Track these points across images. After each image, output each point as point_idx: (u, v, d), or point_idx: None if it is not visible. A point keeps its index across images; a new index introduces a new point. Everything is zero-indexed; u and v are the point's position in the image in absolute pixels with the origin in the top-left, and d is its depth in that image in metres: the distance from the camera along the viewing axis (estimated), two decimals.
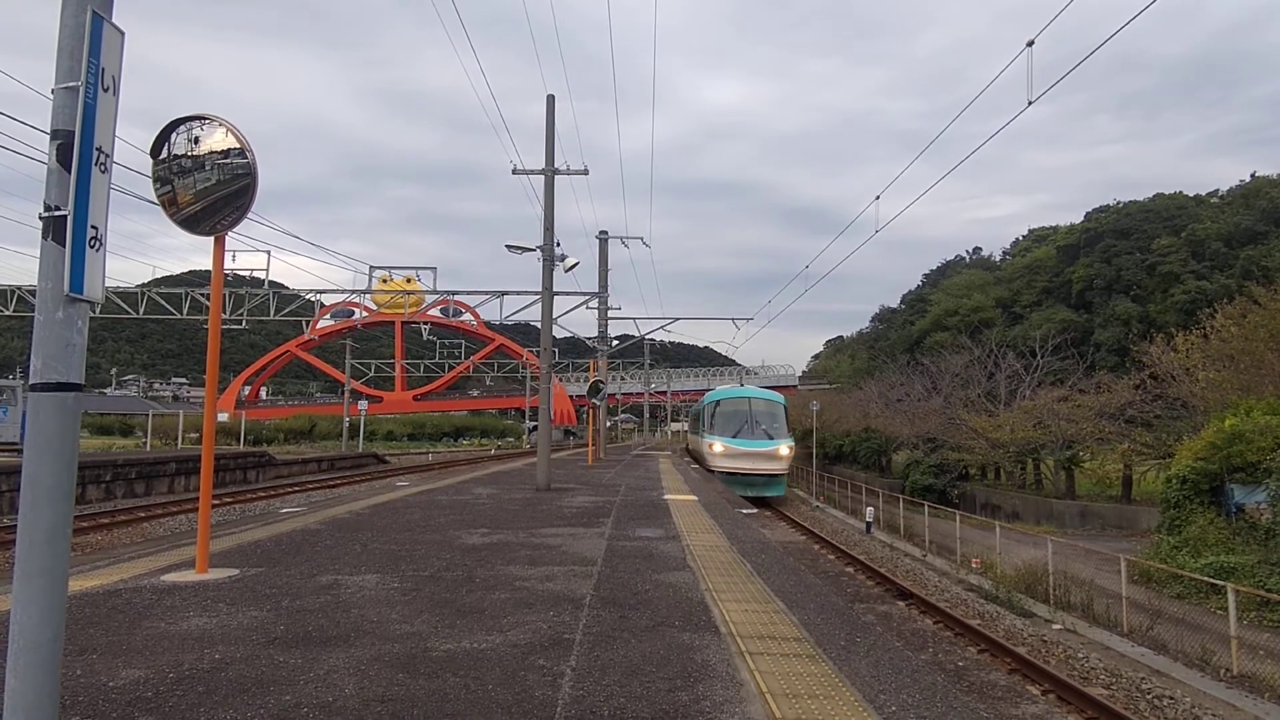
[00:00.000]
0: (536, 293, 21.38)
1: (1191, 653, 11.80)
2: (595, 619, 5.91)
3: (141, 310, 43.79)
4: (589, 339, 38.19)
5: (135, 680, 4.41)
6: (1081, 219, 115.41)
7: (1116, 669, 9.88)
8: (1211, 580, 14.29)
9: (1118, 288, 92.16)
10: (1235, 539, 17.78)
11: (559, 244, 19.49)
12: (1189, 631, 12.77)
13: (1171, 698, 9.05)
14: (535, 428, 44.04)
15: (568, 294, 32.02)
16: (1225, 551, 17.26)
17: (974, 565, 19.09)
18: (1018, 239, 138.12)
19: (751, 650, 5.15)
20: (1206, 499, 19.29)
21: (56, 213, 3.07)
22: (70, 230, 3.06)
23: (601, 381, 34.20)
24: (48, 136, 3.17)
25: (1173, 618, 13.76)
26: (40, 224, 3.12)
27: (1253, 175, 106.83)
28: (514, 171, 19.60)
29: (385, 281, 50.76)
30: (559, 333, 31.18)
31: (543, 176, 19.14)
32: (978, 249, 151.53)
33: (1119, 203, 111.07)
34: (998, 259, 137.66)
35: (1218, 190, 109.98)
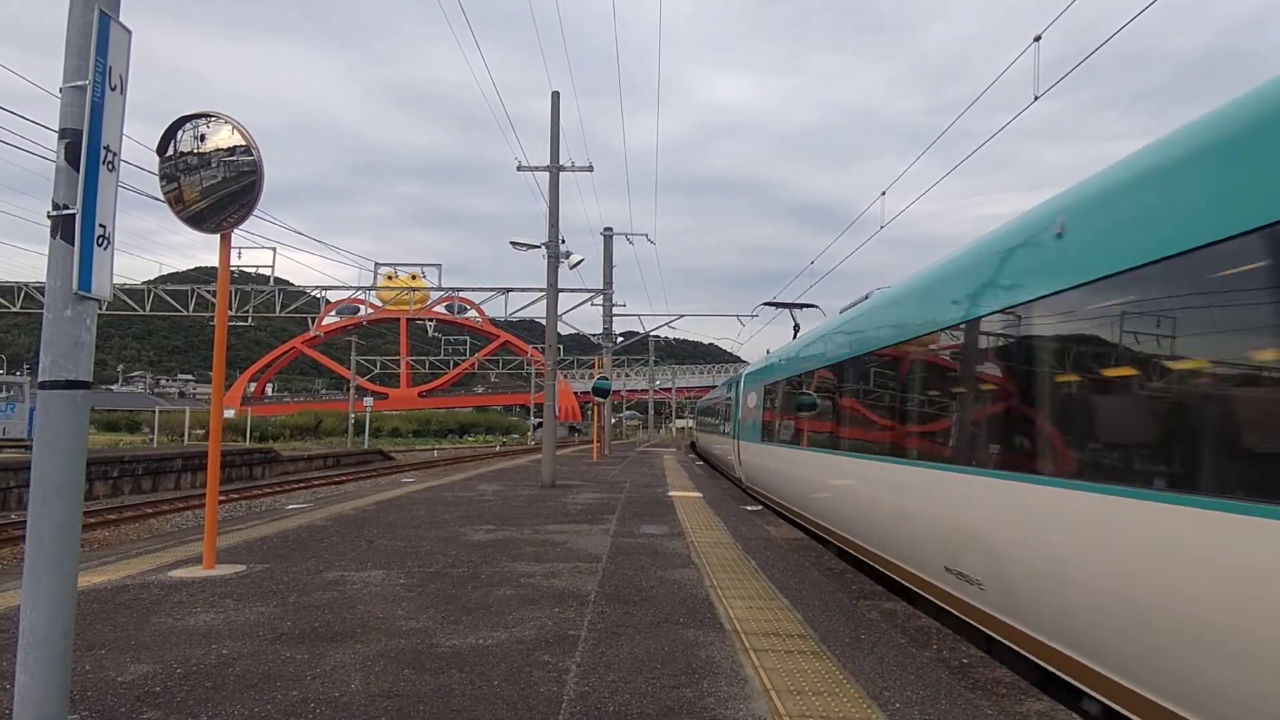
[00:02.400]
0: (541, 289, 21.44)
1: None
2: (600, 615, 5.93)
3: (148, 307, 43.98)
4: (594, 335, 38.21)
5: (143, 675, 4.44)
6: None
7: None
8: None
9: None
10: None
11: (564, 241, 19.50)
12: None
13: None
14: (540, 424, 43.95)
15: (573, 290, 32.17)
16: None
17: None
18: None
19: (756, 647, 5.16)
20: None
21: (65, 211, 3.10)
22: (78, 229, 3.09)
23: (606, 378, 34.21)
24: (56, 134, 3.19)
25: None
26: (49, 222, 3.14)
27: None
28: (519, 168, 19.60)
29: (390, 278, 50.83)
30: (564, 329, 31.12)
31: (547, 173, 19.16)
32: None
33: None
34: None
35: None
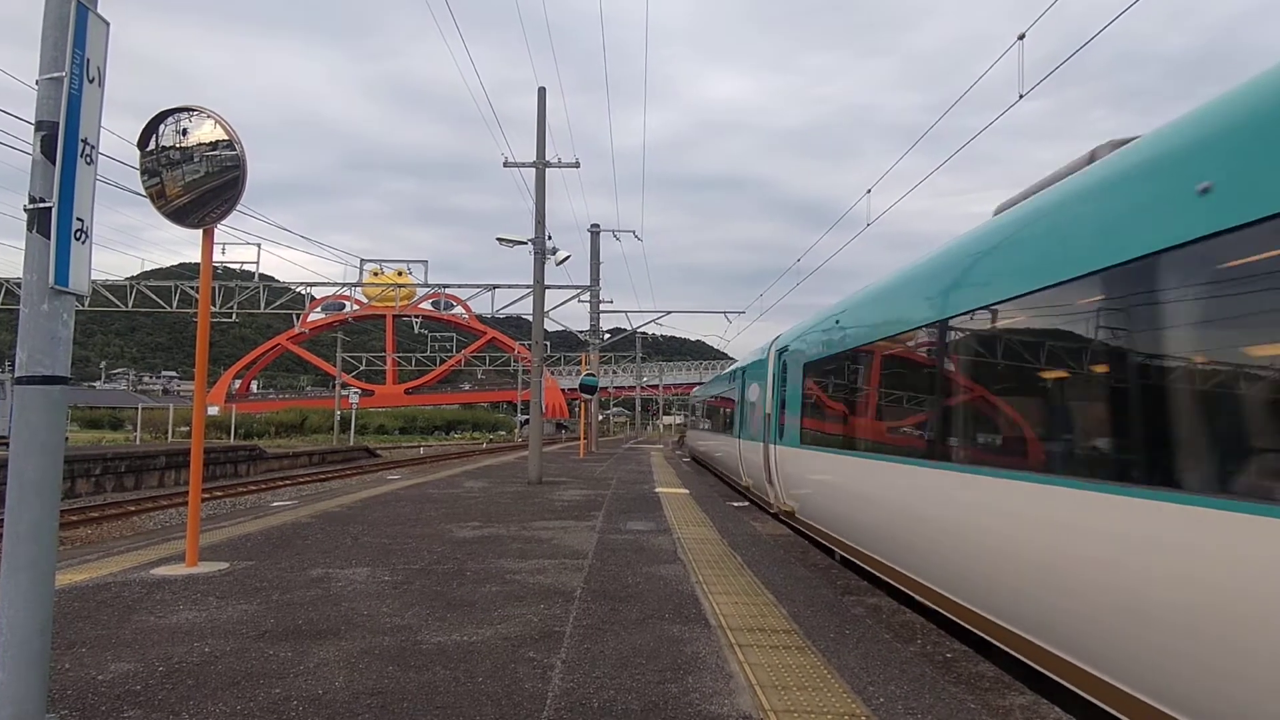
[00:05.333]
0: (528, 286, 21.36)
1: None
2: (586, 612, 5.92)
3: (130, 303, 43.57)
4: (581, 332, 38.17)
5: (124, 674, 4.40)
6: None
7: None
8: None
9: None
10: None
11: (551, 237, 19.47)
12: None
13: None
14: (527, 421, 43.81)
15: (560, 287, 32.11)
16: None
17: None
18: None
19: (741, 642, 5.17)
20: None
21: (41, 205, 3.06)
22: (55, 222, 3.05)
23: (593, 375, 34.19)
24: (32, 127, 3.15)
25: None
26: (25, 216, 3.11)
27: None
28: (505, 164, 19.56)
29: (376, 275, 50.63)
30: (551, 326, 30.99)
31: (534, 169, 19.12)
32: None
33: None
34: None
35: None
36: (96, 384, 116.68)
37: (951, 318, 5.99)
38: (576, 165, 20.09)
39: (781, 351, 12.77)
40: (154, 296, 43.88)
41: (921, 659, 4.94)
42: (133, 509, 19.44)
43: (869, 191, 15.46)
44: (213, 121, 7.10)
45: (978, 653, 5.29)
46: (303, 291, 45.90)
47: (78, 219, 3.13)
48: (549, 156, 19.26)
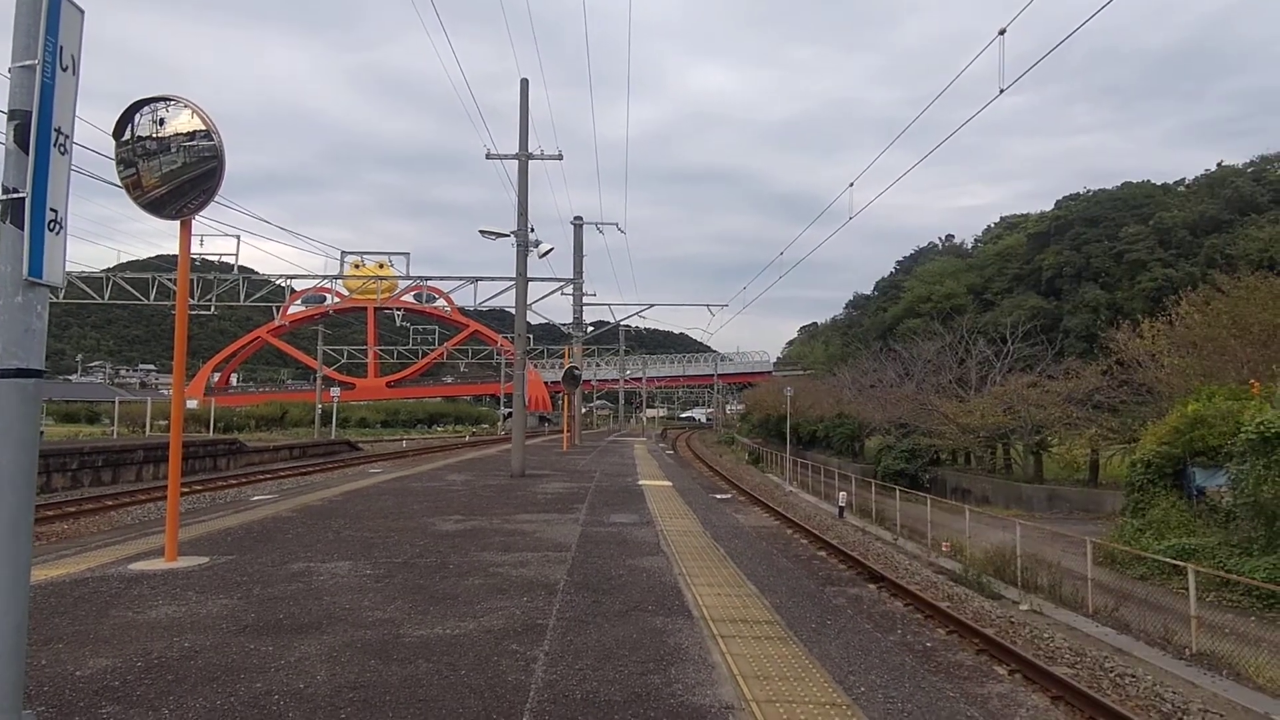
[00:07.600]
0: (511, 279, 21.28)
1: (1153, 632, 12.08)
2: (569, 604, 5.93)
3: (107, 295, 43.00)
4: (564, 325, 38.09)
5: (102, 669, 4.36)
6: (1052, 207, 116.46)
7: (1081, 648, 10.11)
8: (1173, 561, 14.62)
9: (1086, 275, 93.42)
10: (1197, 521, 18.17)
11: (533, 230, 19.40)
12: (1151, 612, 13.05)
13: (1134, 675, 9.27)
14: (510, 414, 43.66)
15: (543, 280, 31.97)
16: (1187, 534, 17.64)
17: (944, 549, 19.36)
18: (989, 226, 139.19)
19: (724, 633, 5.20)
20: (1169, 482, 19.68)
21: (15, 195, 3.01)
22: (28, 213, 3.00)
23: (576, 368, 34.13)
24: (5, 116, 3.10)
25: (1136, 599, 14.06)
26: None
27: (1219, 165, 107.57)
28: (488, 156, 19.46)
29: (357, 267, 50.26)
30: (534, 319, 30.85)
31: (516, 161, 19.03)
32: (950, 236, 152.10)
33: (1089, 191, 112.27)
34: (970, 246, 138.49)
35: (1184, 179, 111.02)
36: (73, 377, 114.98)
37: None
38: (559, 157, 20.03)
39: None
40: (131, 289, 43.32)
41: (901, 649, 4.99)
42: (110, 504, 19.25)
43: (851, 185, 15.55)
44: (189, 111, 7.01)
45: (959, 640, 5.34)
46: (283, 284, 45.45)
47: (51, 209, 3.08)
48: (533, 149, 19.19)
